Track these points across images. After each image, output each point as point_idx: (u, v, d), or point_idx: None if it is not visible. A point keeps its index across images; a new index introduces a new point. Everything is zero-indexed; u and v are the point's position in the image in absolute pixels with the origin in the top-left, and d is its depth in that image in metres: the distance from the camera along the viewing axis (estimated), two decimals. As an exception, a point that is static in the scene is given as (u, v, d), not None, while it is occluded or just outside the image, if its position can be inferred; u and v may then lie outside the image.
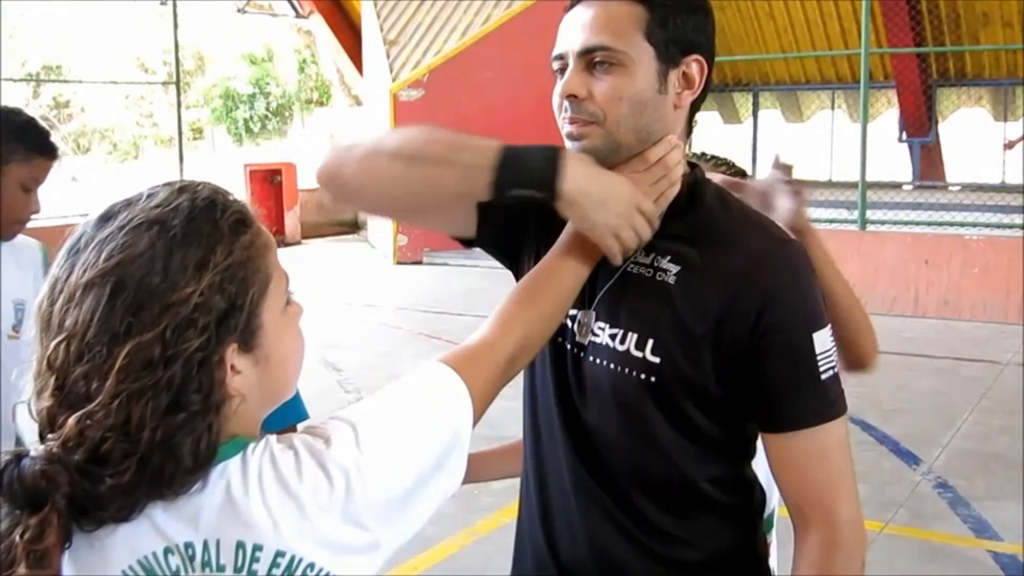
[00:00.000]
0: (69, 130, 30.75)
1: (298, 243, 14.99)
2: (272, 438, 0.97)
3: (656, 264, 1.29)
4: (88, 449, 0.89)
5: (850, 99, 19.11)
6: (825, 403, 1.25)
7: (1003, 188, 12.94)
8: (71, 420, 0.89)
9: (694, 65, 1.29)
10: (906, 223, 9.82)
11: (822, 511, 1.25)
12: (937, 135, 17.75)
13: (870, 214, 9.42)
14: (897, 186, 16.42)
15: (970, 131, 18.15)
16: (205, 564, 0.91)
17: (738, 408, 1.28)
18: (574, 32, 1.27)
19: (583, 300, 1.32)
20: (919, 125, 17.23)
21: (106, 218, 0.95)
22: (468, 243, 1.42)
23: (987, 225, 9.21)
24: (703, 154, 1.99)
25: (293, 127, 30.22)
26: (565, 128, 1.29)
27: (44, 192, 2.23)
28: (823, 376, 1.24)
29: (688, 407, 1.27)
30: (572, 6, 1.30)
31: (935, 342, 7.73)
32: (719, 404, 1.27)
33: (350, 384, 6.73)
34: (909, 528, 4.17)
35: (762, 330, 1.22)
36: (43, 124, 2.26)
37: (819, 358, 1.24)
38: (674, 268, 1.27)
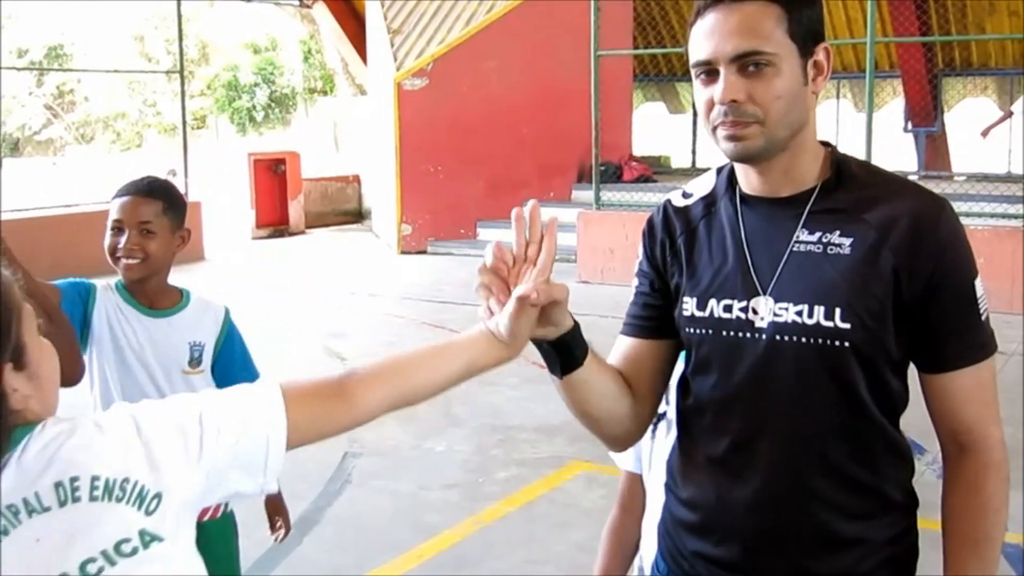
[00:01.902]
0: (72, 119, 30.74)
1: (302, 232, 14.90)
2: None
3: (825, 240, 1.39)
4: None
5: (855, 89, 19.05)
6: (984, 341, 1.41)
7: (1008, 178, 12.89)
8: None
9: (822, 52, 1.39)
10: (911, 213, 9.78)
11: (977, 437, 1.40)
12: (943, 125, 17.69)
13: (875, 204, 9.38)
14: (902, 176, 16.34)
15: (976, 121, 18.08)
16: (32, 511, 1.01)
17: (907, 357, 1.41)
18: (721, 37, 1.34)
19: (753, 290, 1.40)
20: (925, 115, 17.16)
21: None
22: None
23: (992, 215, 9.18)
24: None
25: (297, 116, 30.18)
26: (724, 131, 1.36)
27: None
28: (983, 317, 1.40)
29: (879, 364, 1.38)
30: (706, 10, 1.36)
31: (939, 332, 7.70)
32: (897, 357, 1.39)
33: (354, 373, 6.73)
34: (912, 518, 4.16)
35: (937, 280, 1.35)
36: None
37: (980, 301, 1.39)
38: (847, 240, 1.37)
